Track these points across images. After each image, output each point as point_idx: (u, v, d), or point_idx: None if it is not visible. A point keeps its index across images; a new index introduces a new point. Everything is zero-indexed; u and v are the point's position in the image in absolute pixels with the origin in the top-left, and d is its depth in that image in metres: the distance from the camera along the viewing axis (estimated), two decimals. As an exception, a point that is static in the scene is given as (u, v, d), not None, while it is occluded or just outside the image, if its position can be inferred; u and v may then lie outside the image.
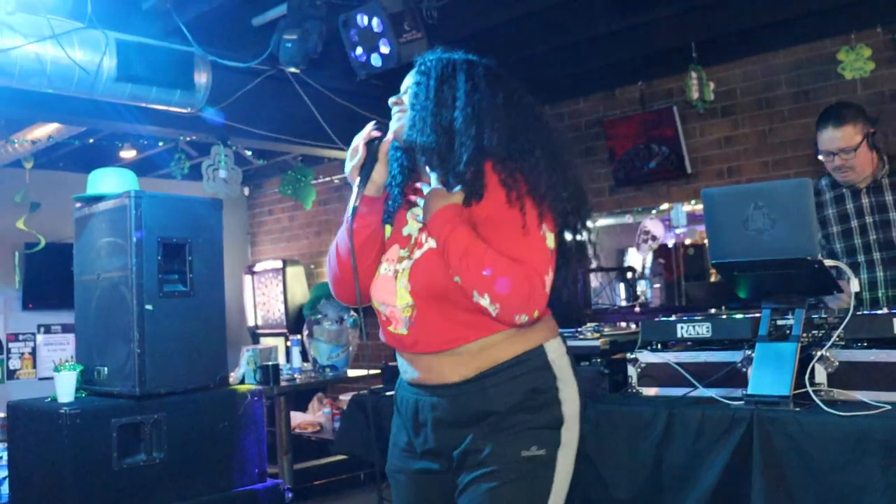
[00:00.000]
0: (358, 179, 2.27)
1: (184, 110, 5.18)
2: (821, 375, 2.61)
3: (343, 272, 2.31)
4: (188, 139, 7.14)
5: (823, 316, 2.86)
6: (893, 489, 2.24)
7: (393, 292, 2.23)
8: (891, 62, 5.92)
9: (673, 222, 7.30)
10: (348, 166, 2.30)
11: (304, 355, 6.27)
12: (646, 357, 2.98)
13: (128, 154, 7.92)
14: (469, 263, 2.05)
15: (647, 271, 7.10)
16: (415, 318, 2.18)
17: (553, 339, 2.24)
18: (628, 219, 7.96)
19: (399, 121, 2.29)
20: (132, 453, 3.63)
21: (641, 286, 7.07)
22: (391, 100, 2.33)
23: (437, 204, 2.16)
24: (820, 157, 3.62)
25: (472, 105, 2.20)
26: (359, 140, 2.29)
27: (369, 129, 2.30)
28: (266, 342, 8.77)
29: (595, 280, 7.32)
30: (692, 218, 7.07)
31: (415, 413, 2.26)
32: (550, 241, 2.17)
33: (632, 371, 3.00)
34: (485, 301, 2.05)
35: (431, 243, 2.17)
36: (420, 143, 2.21)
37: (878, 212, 3.58)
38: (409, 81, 2.33)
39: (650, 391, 2.96)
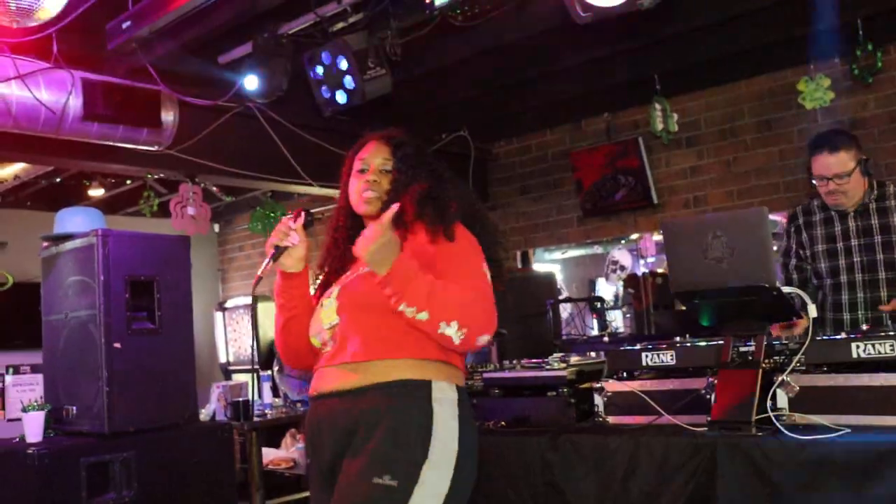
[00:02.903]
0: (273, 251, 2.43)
1: (151, 148, 5.19)
2: (782, 400, 2.65)
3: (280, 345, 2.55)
4: (156, 177, 7.13)
5: (784, 341, 2.91)
6: (854, 511, 2.28)
7: (321, 318, 2.37)
8: (849, 92, 6.05)
9: (641, 252, 7.38)
10: (273, 241, 2.44)
11: (276, 391, 6.24)
12: (612, 386, 3.01)
13: (96, 192, 7.90)
14: (436, 300, 2.16)
15: (617, 301, 7.15)
16: (337, 333, 2.30)
17: (445, 380, 2.24)
18: (597, 249, 8.05)
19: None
20: (101, 492, 3.60)
21: (611, 316, 7.12)
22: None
23: (381, 253, 2.20)
24: (814, 182, 3.69)
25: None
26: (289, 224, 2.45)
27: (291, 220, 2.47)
28: (238, 378, 8.71)
29: (565, 310, 7.36)
30: (660, 247, 7.15)
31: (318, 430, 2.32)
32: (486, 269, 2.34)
33: (598, 400, 3.03)
34: (451, 329, 2.16)
35: (362, 270, 2.29)
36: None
37: (864, 235, 3.66)
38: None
39: (616, 419, 2.99)
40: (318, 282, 2.54)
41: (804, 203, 3.91)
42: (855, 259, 3.67)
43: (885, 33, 5.66)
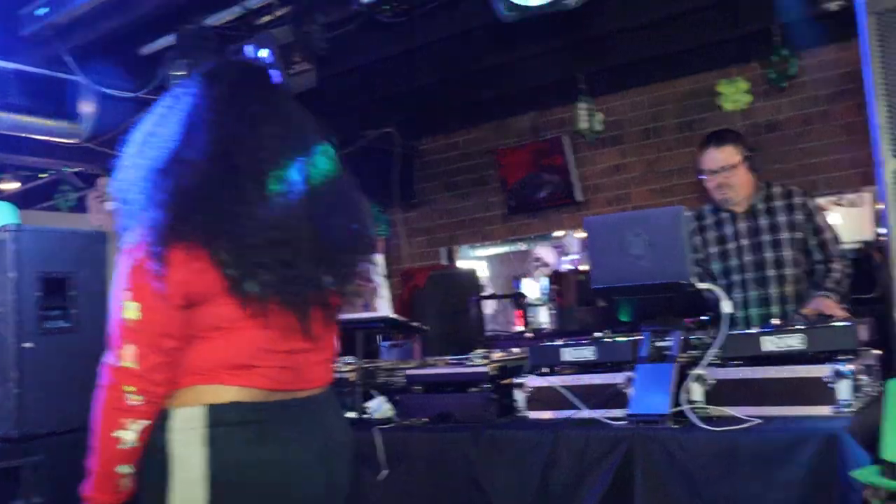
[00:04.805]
0: None
1: (68, 141, 5.06)
2: (697, 393, 2.72)
3: None
4: (74, 170, 6.96)
5: (700, 336, 2.98)
6: (762, 497, 2.36)
7: None
8: (766, 95, 6.22)
9: (565, 249, 7.45)
10: None
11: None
12: (532, 381, 3.04)
13: (9, 186, 7.65)
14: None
15: (542, 297, 7.22)
16: None
17: (184, 407, 1.87)
18: (522, 246, 8.10)
19: None
20: (10, 499, 3.49)
21: (535, 312, 7.19)
22: None
23: None
24: (702, 178, 3.79)
25: None
26: None
27: None
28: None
29: (490, 307, 7.41)
30: (584, 245, 7.23)
31: None
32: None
33: (519, 395, 3.06)
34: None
35: None
36: None
37: (752, 235, 3.77)
38: None
39: (537, 415, 3.02)
40: None
41: (696, 208, 4.01)
42: (745, 259, 3.78)
43: (800, 40, 5.83)
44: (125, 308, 1.84)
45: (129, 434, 1.84)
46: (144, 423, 1.85)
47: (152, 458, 1.88)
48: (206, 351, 1.89)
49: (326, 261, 2.00)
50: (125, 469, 1.88)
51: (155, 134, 1.99)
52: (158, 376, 1.84)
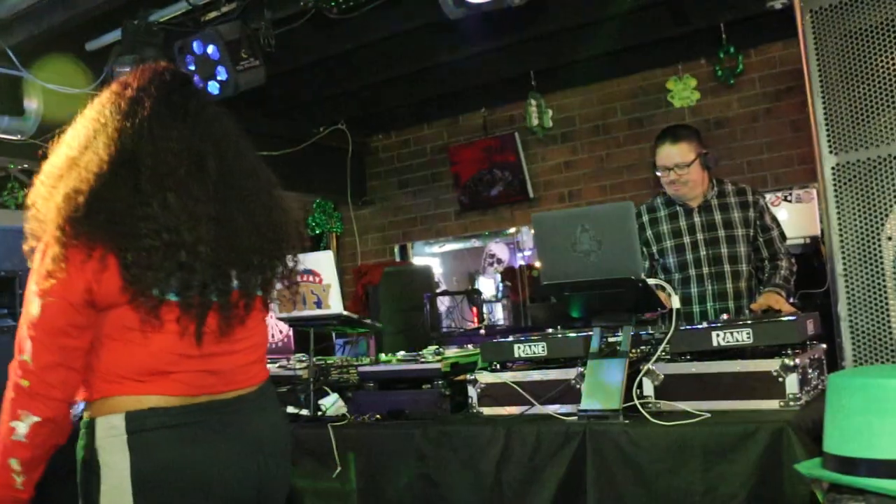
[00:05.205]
0: None
1: (14, 137, 4.97)
2: (648, 388, 2.74)
3: None
4: (21, 167, 6.84)
5: (650, 332, 3.01)
6: (713, 491, 2.39)
7: None
8: (714, 92, 6.31)
9: (519, 246, 7.50)
10: None
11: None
12: (485, 377, 3.05)
13: (-46, 184, 7.51)
14: None
15: (496, 294, 7.26)
16: None
17: (105, 417, 1.90)
18: (476, 243, 8.13)
19: None
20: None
21: (490, 309, 7.22)
22: None
23: None
24: (658, 173, 3.82)
25: None
26: None
27: None
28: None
29: (444, 304, 7.42)
30: (536, 241, 7.28)
31: None
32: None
33: (472, 392, 3.06)
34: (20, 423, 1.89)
35: None
36: None
37: (708, 230, 3.81)
38: None
39: (490, 411, 3.02)
40: None
41: (648, 200, 4.05)
42: (701, 253, 3.82)
43: (746, 38, 5.93)
44: (31, 302, 1.86)
45: (22, 427, 1.84)
46: (36, 419, 1.84)
47: (83, 468, 1.91)
48: (122, 357, 1.91)
49: (236, 262, 2.00)
50: (16, 465, 1.87)
51: (64, 140, 2.01)
52: (52, 376, 1.85)
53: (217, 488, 1.94)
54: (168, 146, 1.95)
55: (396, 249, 8.00)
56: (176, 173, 1.93)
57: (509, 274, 6.87)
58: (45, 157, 2.05)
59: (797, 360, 2.53)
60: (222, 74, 4.57)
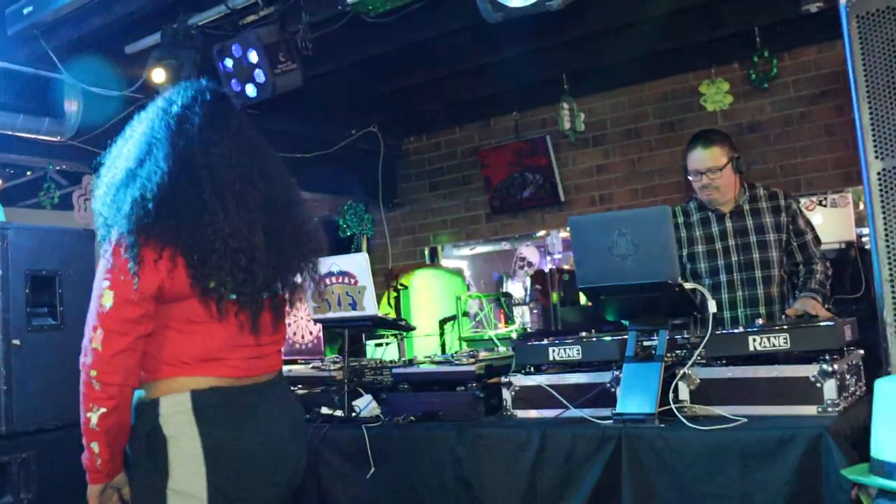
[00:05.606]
0: None
1: (53, 139, 5.04)
2: (684, 392, 2.74)
3: None
4: (58, 168, 6.93)
5: (686, 336, 3.01)
6: (750, 495, 2.39)
7: None
8: (747, 96, 6.28)
9: (549, 249, 7.50)
10: None
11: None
12: (519, 380, 3.06)
13: (-7, 183, 7.63)
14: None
15: (525, 297, 7.26)
16: None
17: (170, 395, 2.16)
18: (505, 245, 8.14)
19: None
20: (-2, 495, 3.49)
21: (518, 312, 7.22)
22: None
23: None
24: (689, 178, 3.82)
25: None
26: None
27: None
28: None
29: (474, 306, 7.43)
30: (567, 244, 7.28)
31: None
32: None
33: (506, 394, 3.07)
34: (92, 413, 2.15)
35: None
36: None
37: (740, 235, 3.80)
38: None
39: (524, 414, 3.04)
40: None
41: (682, 204, 4.03)
42: (733, 259, 3.81)
43: (781, 41, 5.90)
44: (103, 296, 2.10)
45: (94, 417, 2.11)
46: (103, 410, 2.10)
47: (147, 442, 2.15)
48: (186, 345, 2.18)
49: (282, 265, 2.32)
50: (96, 447, 2.14)
51: (120, 153, 2.28)
52: (119, 362, 2.09)
53: (272, 460, 2.25)
54: (221, 161, 2.21)
55: (426, 252, 8.02)
56: (233, 186, 2.20)
57: (539, 277, 6.87)
58: (97, 166, 2.32)
59: (835, 366, 2.52)
60: (260, 77, 4.60)
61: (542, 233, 7.59)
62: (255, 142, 2.36)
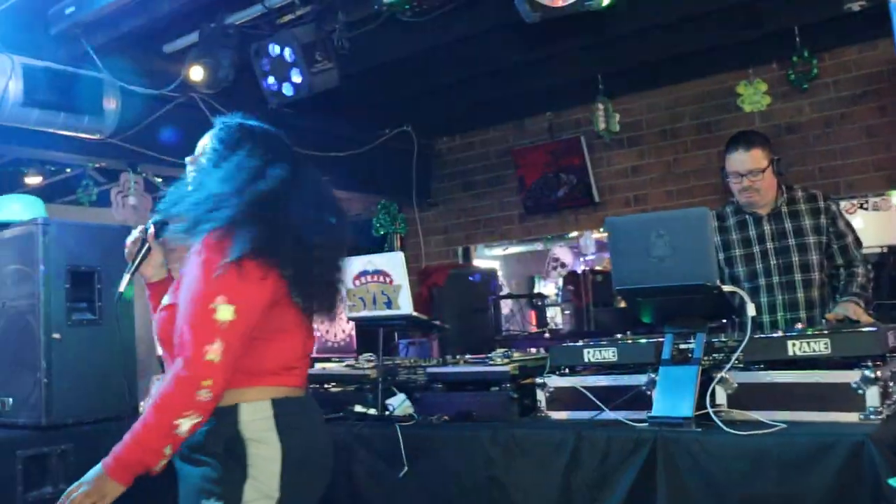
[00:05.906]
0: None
1: (92, 136, 5.10)
2: (721, 397, 2.71)
3: None
4: (97, 165, 7.01)
5: (724, 339, 2.98)
6: (788, 502, 2.35)
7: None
8: (785, 96, 6.21)
9: (582, 250, 7.47)
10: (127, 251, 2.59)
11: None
12: (554, 381, 3.05)
13: (33, 180, 7.72)
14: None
15: (557, 298, 7.24)
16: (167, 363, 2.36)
17: (252, 402, 2.22)
18: (538, 246, 8.12)
19: None
20: (38, 486, 3.52)
21: (551, 312, 7.20)
22: None
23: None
24: (728, 180, 3.78)
25: None
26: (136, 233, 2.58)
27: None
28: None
29: (506, 307, 7.43)
30: (601, 245, 7.25)
31: None
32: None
33: (540, 395, 3.06)
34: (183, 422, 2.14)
35: (166, 300, 2.34)
36: None
37: (779, 238, 3.76)
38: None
39: (558, 415, 3.03)
40: None
41: (717, 208, 3.98)
42: (772, 262, 3.76)
43: (821, 41, 5.82)
44: (218, 310, 2.11)
45: (185, 424, 2.09)
46: (198, 419, 2.10)
47: (227, 445, 2.19)
48: (268, 354, 2.25)
49: (339, 281, 2.46)
50: (168, 451, 2.12)
51: (210, 172, 2.35)
52: (228, 372, 2.12)
53: (329, 468, 2.39)
54: (299, 192, 2.32)
55: (460, 251, 8.01)
56: (316, 216, 2.33)
57: (572, 278, 6.85)
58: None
59: (878, 373, 2.47)
60: (297, 76, 4.63)
61: (575, 234, 7.56)
62: (311, 168, 2.48)
